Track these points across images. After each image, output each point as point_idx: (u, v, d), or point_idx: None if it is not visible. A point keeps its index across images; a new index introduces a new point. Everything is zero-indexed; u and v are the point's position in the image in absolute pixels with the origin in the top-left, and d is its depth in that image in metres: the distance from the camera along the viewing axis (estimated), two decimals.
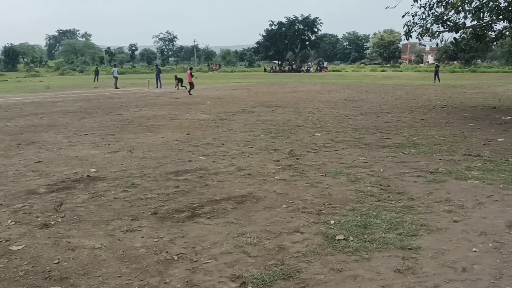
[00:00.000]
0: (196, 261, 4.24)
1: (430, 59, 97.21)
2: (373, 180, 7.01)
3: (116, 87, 34.20)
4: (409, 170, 7.66)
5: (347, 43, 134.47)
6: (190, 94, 26.55)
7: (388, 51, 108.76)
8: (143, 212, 5.62)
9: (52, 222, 5.26)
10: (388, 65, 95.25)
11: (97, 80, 46.82)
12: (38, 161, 8.58)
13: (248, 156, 8.91)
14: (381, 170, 7.66)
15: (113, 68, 38.34)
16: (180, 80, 32.64)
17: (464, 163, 8.12)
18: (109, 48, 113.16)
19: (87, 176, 7.39)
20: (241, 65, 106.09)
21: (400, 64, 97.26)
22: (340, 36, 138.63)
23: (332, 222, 5.20)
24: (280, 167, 7.99)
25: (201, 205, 5.90)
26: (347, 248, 4.46)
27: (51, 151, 9.58)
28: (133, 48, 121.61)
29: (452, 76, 52.20)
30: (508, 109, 16.92)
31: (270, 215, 5.51)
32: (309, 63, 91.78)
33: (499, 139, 10.51)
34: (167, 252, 4.44)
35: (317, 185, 6.80)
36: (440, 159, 8.47)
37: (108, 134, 11.87)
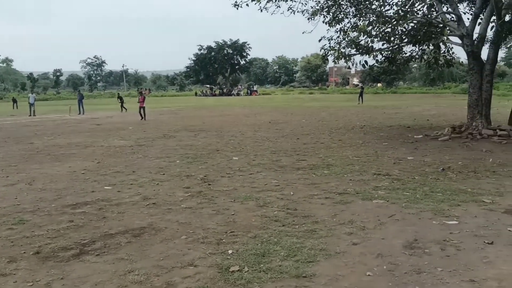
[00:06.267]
0: None
1: (356, 81, 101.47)
2: (281, 204, 6.87)
3: (33, 115, 32.45)
4: (318, 192, 7.62)
5: (277, 67, 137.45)
6: (143, 119, 25.93)
7: (316, 74, 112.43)
8: (24, 252, 5.07)
9: None
10: (316, 87, 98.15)
11: (17, 107, 44.62)
12: None
13: (158, 184, 8.51)
14: (291, 193, 7.55)
15: (29, 94, 36.32)
16: (121, 99, 35.80)
17: (372, 182, 8.22)
18: (31, 74, 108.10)
19: None
20: (172, 90, 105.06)
21: (327, 86, 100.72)
22: (270, 60, 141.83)
23: (230, 252, 4.93)
24: (189, 194, 7.67)
25: (92, 240, 5.44)
26: (239, 280, 4.20)
27: None
28: (58, 73, 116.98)
29: (375, 98, 54.67)
30: (421, 128, 17.72)
31: (166, 248, 5.16)
32: (240, 86, 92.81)
33: (408, 158, 10.84)
34: None
35: (223, 212, 6.55)
36: (351, 180, 8.52)
37: (11, 165, 10.97)
